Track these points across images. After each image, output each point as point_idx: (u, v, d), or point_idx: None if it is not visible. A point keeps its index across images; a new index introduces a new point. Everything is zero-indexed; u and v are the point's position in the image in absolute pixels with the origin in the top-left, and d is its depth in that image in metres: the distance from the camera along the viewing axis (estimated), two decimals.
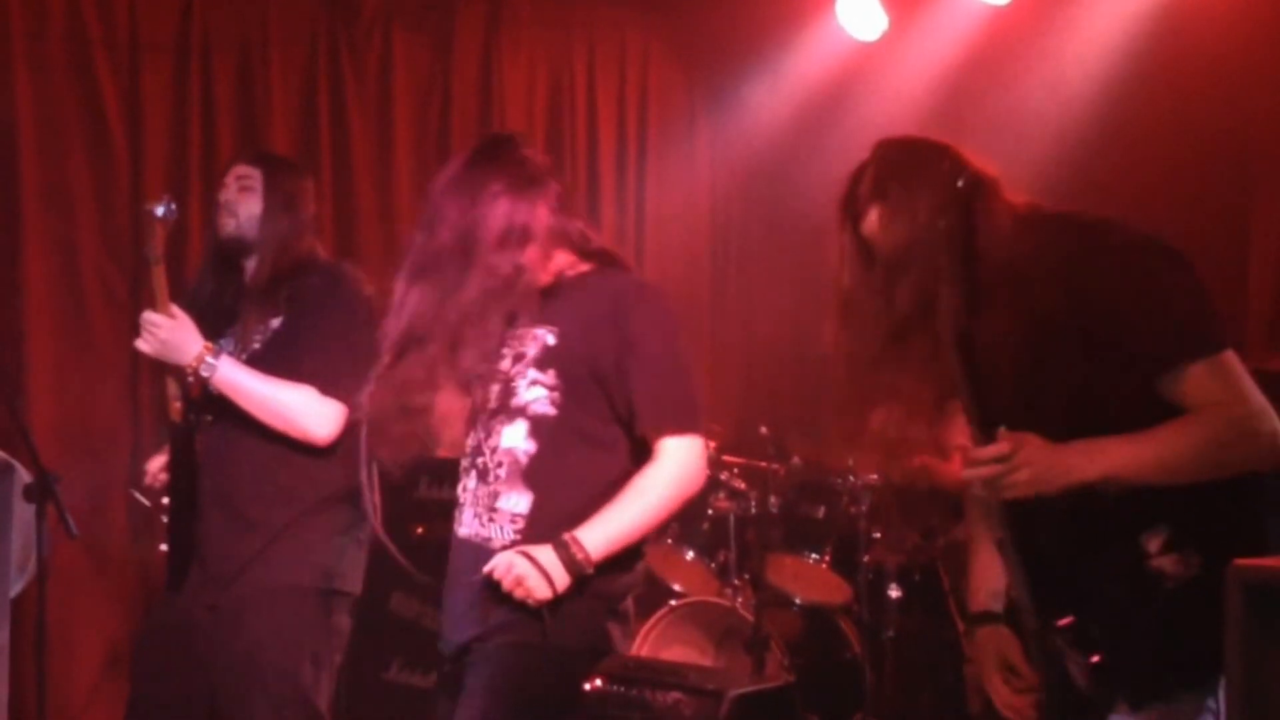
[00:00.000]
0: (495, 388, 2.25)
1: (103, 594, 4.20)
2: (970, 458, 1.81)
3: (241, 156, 2.96)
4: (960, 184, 1.81)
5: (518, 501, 2.21)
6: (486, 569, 2.16)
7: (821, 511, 4.45)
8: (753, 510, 4.29)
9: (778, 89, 5.02)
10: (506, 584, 2.11)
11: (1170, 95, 4.13)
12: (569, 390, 2.19)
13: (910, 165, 1.91)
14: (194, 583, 2.69)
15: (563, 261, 2.29)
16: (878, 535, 4.24)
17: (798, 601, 4.24)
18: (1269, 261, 4.00)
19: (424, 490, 3.90)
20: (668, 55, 5.43)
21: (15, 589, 3.28)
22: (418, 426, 2.24)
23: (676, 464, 2.18)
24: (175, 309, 2.67)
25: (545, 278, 2.26)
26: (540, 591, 2.10)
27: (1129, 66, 4.13)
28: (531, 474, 2.19)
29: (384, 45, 4.87)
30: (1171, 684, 1.83)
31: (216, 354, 2.65)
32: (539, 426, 2.20)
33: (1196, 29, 4.05)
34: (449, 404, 2.27)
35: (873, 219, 1.93)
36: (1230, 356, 1.82)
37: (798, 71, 4.97)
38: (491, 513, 2.23)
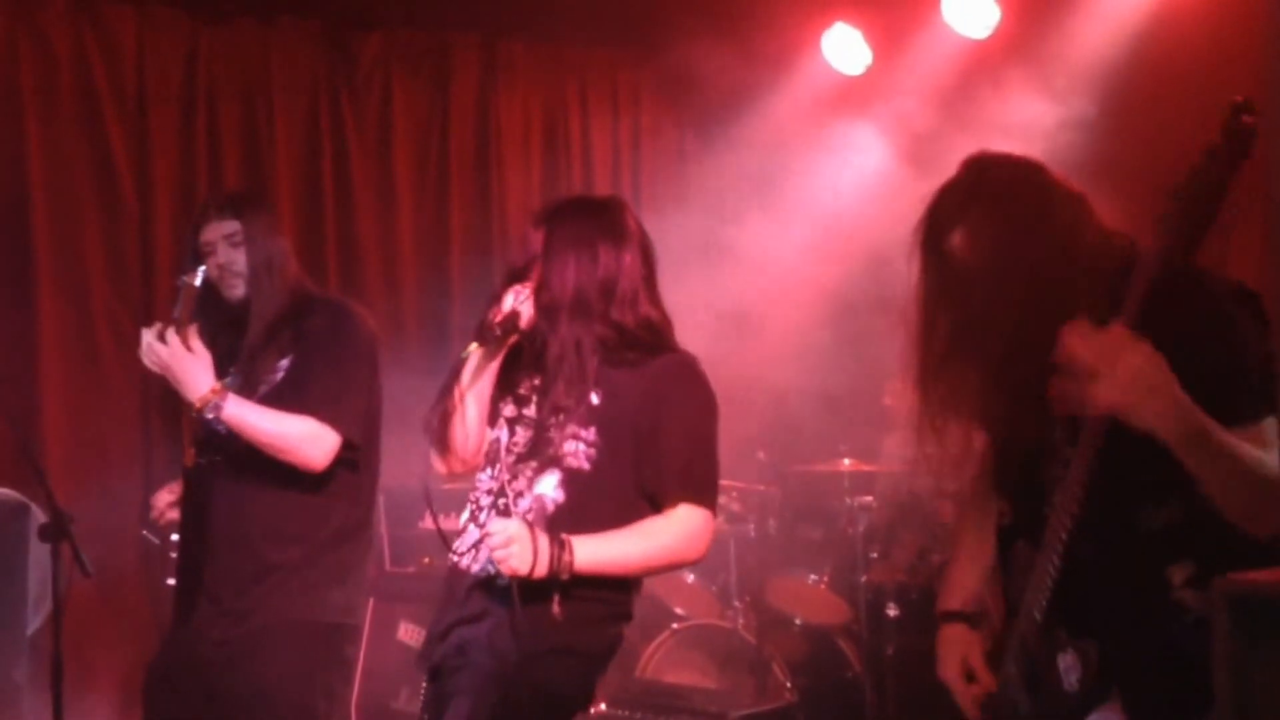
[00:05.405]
0: (528, 434, 2.30)
1: (117, 631, 4.27)
2: (1079, 329, 1.73)
3: (210, 210, 2.88)
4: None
5: None
6: (486, 528, 2.18)
7: (819, 533, 4.51)
8: (752, 533, 4.34)
9: (765, 124, 5.11)
10: (496, 540, 2.13)
11: (1150, 112, 4.21)
12: (606, 449, 2.24)
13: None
14: (204, 617, 2.75)
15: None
16: (875, 555, 4.30)
17: (798, 622, 4.29)
18: (1248, 276, 4.06)
19: (429, 521, 3.95)
20: (658, 93, 5.54)
21: (32, 626, 3.37)
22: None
23: (685, 525, 2.23)
24: (197, 344, 2.70)
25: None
26: (519, 563, 2.11)
27: (1108, 89, 4.22)
28: (555, 523, 2.22)
29: (383, 89, 4.99)
30: (1167, 712, 1.84)
31: (224, 395, 2.71)
32: (571, 479, 2.24)
33: (1175, 46, 4.13)
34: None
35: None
36: None
37: (784, 106, 5.07)
38: None
